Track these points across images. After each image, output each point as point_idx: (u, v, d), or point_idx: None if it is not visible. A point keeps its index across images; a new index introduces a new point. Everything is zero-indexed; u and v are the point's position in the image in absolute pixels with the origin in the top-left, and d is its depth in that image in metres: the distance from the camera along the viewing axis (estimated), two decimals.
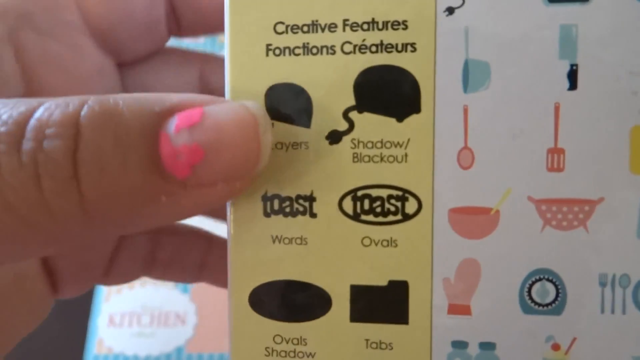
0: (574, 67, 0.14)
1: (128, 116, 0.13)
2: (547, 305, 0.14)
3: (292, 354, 0.15)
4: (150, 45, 0.22)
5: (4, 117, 0.13)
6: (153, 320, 0.36)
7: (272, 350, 0.15)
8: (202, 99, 0.14)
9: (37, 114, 0.13)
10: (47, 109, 0.13)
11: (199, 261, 0.24)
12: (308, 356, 0.15)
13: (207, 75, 0.22)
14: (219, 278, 0.24)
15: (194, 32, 0.22)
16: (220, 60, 0.23)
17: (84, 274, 0.22)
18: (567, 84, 0.14)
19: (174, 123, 0.13)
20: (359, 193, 0.15)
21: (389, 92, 0.14)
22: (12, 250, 0.14)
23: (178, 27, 0.22)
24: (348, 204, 0.15)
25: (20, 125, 0.13)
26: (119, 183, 0.13)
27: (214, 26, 0.22)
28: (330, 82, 0.15)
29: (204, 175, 0.13)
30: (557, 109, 0.14)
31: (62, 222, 0.13)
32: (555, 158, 0.14)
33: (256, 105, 0.14)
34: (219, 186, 0.14)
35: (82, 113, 0.13)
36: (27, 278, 0.20)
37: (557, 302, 0.14)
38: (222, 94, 0.19)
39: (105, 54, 0.21)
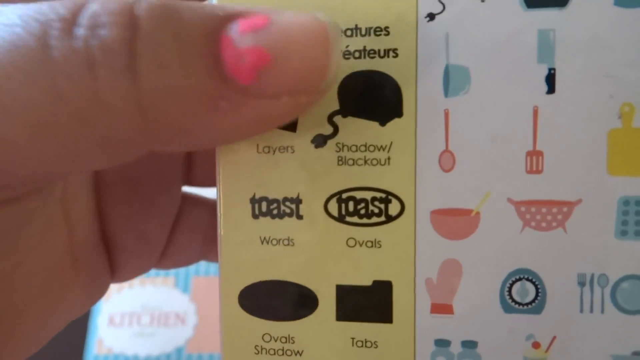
0: (552, 71, 0.14)
1: (188, 15, 0.12)
2: (527, 304, 0.15)
3: (280, 352, 0.16)
4: None
5: (57, 5, 0.12)
6: (153, 320, 0.36)
7: (262, 349, 0.16)
8: (268, 9, 0.13)
9: (92, 5, 0.12)
10: (101, 1, 0.12)
11: None
12: (296, 354, 0.16)
13: None
14: None
15: None
16: None
17: (143, 248, 0.21)
18: (545, 88, 0.14)
19: (237, 26, 0.12)
20: (344, 195, 0.15)
21: (371, 96, 0.15)
22: (64, 149, 0.13)
23: None
24: (333, 206, 0.15)
25: (74, 11, 0.12)
26: (178, 81, 0.12)
27: None
28: None
29: (269, 83, 0.12)
30: (535, 112, 0.14)
31: (117, 118, 0.12)
32: (534, 160, 0.14)
33: (326, 16, 0.13)
34: (284, 99, 0.13)
35: (139, 5, 0.12)
36: (83, 250, 0.19)
37: (537, 302, 0.15)
38: None
39: None
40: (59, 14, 0.12)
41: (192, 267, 0.37)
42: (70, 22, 0.12)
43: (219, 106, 0.13)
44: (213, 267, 0.37)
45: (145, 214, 0.21)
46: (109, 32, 0.12)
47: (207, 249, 0.22)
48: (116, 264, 0.20)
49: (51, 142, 0.13)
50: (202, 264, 0.37)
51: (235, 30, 0.12)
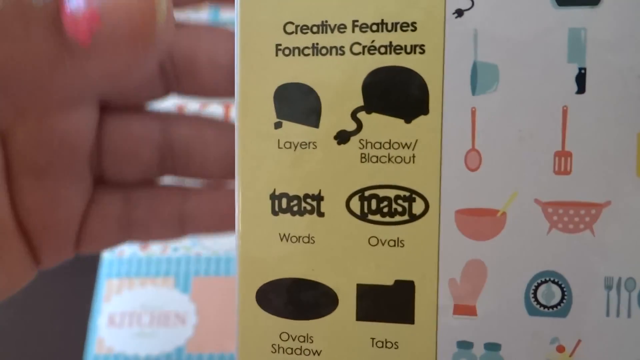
0: (582, 71, 0.14)
1: None
2: (552, 307, 0.14)
3: (298, 351, 0.15)
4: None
5: None
6: (153, 320, 0.36)
7: (279, 348, 0.16)
8: None
9: None
10: None
11: (177, 214, 0.23)
12: (314, 354, 0.15)
13: (169, 131, 0.23)
14: (203, 226, 0.23)
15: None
16: (184, 118, 0.23)
17: (57, 237, 0.21)
18: (575, 88, 0.14)
19: None
20: (367, 193, 0.15)
21: (397, 93, 0.14)
22: None
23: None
24: (355, 204, 0.15)
25: None
26: (22, 47, 0.14)
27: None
28: (339, 83, 0.15)
29: (102, 39, 0.15)
30: (565, 112, 0.14)
31: None
32: (563, 161, 0.14)
33: None
34: (122, 50, 0.15)
35: None
36: (2, 233, 0.19)
37: (562, 305, 0.14)
38: (185, 148, 0.22)
39: None
40: None
41: (192, 267, 0.37)
42: None
43: (64, 65, 0.15)
44: (213, 267, 0.37)
45: (51, 206, 0.21)
46: None
47: (125, 233, 0.23)
48: (36, 251, 0.21)
49: None
50: (203, 264, 0.37)
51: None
